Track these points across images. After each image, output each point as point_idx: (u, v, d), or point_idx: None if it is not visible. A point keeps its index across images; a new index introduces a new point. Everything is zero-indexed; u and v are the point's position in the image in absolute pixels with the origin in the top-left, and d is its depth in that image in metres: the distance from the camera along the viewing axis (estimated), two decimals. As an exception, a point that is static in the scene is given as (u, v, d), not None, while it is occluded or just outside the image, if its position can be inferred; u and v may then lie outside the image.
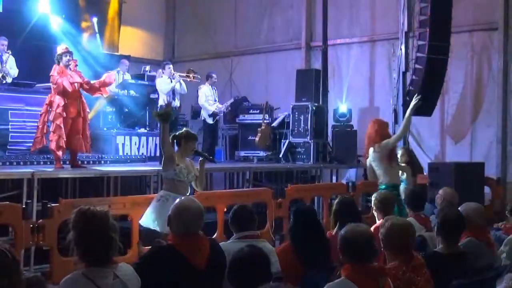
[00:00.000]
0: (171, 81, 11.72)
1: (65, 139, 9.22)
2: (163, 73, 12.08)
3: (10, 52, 11.04)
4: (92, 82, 9.75)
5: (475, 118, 13.26)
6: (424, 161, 13.05)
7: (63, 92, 9.22)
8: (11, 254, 2.90)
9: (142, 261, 3.90)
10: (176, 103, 12.04)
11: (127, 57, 15.08)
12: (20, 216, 6.56)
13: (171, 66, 12.11)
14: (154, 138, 12.79)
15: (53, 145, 9.16)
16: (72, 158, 9.70)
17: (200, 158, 6.96)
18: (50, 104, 9.33)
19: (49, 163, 10.40)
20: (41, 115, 9.48)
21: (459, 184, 9.33)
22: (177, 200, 4.17)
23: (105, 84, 9.98)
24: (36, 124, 9.82)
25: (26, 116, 10.89)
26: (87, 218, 3.42)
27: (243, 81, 15.87)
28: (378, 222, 5.60)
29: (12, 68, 11.06)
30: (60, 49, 9.68)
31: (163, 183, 7.09)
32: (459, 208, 5.36)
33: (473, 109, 13.28)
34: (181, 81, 11.89)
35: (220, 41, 17.19)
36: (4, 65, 10.91)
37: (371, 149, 7.61)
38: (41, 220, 6.75)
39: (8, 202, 7.02)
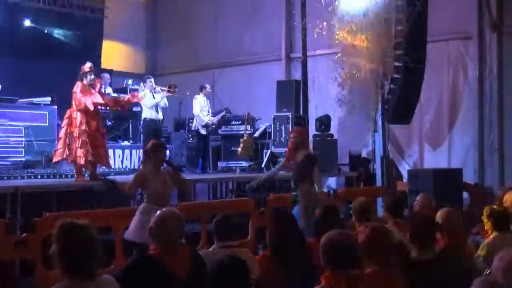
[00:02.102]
0: (154, 95, 11.72)
1: (93, 154, 9.28)
2: (144, 87, 12.08)
3: (-6, 68, 11.01)
4: (118, 98, 9.85)
5: (452, 126, 13.36)
6: (404, 168, 13.16)
7: (84, 110, 9.25)
8: (6, 266, 2.91)
9: (123, 272, 3.89)
10: (159, 115, 12.05)
11: (109, 71, 15.07)
12: (3, 231, 6.51)
13: (152, 80, 12.14)
14: (138, 150, 12.79)
15: (82, 160, 9.21)
16: (93, 171, 9.66)
17: (168, 168, 6.91)
18: (70, 118, 9.36)
19: (33, 177, 10.36)
20: (62, 127, 9.52)
21: (438, 190, 9.40)
22: (158, 212, 4.18)
23: (130, 102, 10.11)
24: (20, 139, 9.84)
25: (9, 131, 10.89)
26: (69, 231, 3.40)
27: (225, 93, 15.88)
28: (357, 229, 5.62)
29: (-5, 83, 11.04)
30: (85, 67, 9.74)
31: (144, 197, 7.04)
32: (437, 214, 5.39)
33: (450, 117, 13.38)
34: (165, 97, 11.93)
35: (202, 54, 17.23)
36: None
37: None
38: (24, 234, 6.71)
39: (-9, 217, 6.99)
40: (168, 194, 6.75)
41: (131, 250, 6.34)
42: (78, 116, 9.24)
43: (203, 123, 12.92)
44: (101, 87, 9.93)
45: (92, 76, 9.60)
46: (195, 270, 3.99)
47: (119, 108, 10.58)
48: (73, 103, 9.40)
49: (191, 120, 15.68)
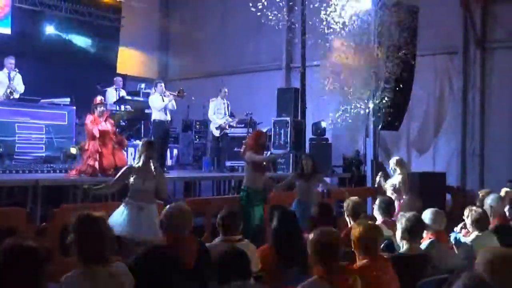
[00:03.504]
0: (163, 99, 11.70)
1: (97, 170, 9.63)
2: (155, 90, 12.06)
3: (17, 70, 11.00)
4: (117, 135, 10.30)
5: (437, 133, 13.39)
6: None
7: (92, 137, 9.60)
8: (37, 250, 2.92)
9: (135, 261, 3.89)
10: (168, 117, 12.03)
11: (124, 76, 15.10)
12: (24, 220, 6.52)
13: (162, 84, 12.10)
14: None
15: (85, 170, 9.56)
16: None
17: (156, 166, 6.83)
18: (86, 147, 9.72)
19: (52, 171, 10.38)
20: (86, 158, 9.78)
21: (423, 192, 9.38)
22: (168, 206, 4.17)
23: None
24: (41, 136, 9.95)
25: (31, 128, 10.88)
26: (86, 222, 3.41)
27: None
28: (350, 226, 5.62)
29: (19, 85, 11.02)
30: (97, 99, 10.15)
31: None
32: (422, 214, 5.40)
33: (435, 125, 13.41)
34: (173, 100, 11.89)
35: (210, 61, 17.23)
36: (12, 82, 10.86)
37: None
38: (44, 224, 6.71)
39: (14, 207, 6.99)
40: (149, 190, 6.59)
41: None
42: (90, 143, 9.65)
43: (217, 125, 12.80)
44: (108, 116, 10.21)
45: (102, 108, 9.95)
46: (201, 259, 4.00)
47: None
48: (86, 135, 9.91)
49: (197, 122, 15.72)
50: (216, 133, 12.86)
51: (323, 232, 3.75)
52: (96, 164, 9.59)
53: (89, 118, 9.79)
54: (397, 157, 9.65)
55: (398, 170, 9.01)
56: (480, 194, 7.81)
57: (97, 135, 9.56)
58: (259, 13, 12.50)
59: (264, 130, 13.84)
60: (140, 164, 6.60)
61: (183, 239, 4.03)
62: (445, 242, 5.44)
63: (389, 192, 8.52)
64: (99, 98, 10.13)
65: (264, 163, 7.99)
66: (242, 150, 8.22)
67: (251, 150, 7.71)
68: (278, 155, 10.54)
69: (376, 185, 9.85)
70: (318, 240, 3.69)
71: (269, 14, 12.28)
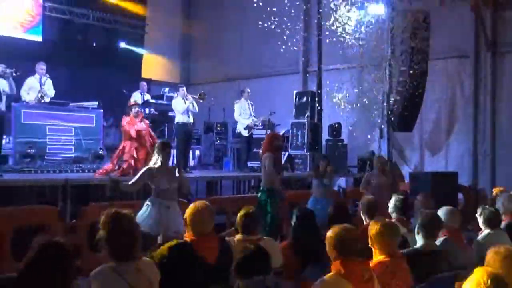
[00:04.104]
0: (185, 102, 11.75)
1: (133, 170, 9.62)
2: (178, 94, 12.12)
3: (48, 76, 11.10)
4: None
5: (449, 134, 13.28)
6: (406, 171, 13.06)
7: (130, 138, 9.67)
8: (65, 246, 2.95)
9: (161, 256, 3.91)
10: (190, 120, 12.07)
11: (148, 80, 15.20)
12: (56, 217, 6.58)
13: (184, 88, 12.16)
14: (172, 150, 12.80)
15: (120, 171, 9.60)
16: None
17: (175, 165, 6.85)
18: (123, 149, 9.74)
19: (80, 171, 10.47)
20: (115, 157, 9.92)
21: (436, 191, 9.30)
22: (192, 204, 4.18)
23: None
24: (70, 138, 10.07)
25: (61, 131, 11.00)
26: (115, 219, 3.43)
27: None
28: (366, 223, 5.60)
29: (49, 89, 11.12)
30: (131, 102, 10.44)
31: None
32: (439, 212, 5.38)
33: (447, 126, 13.31)
34: (194, 102, 11.92)
35: (229, 66, 17.25)
36: (43, 87, 10.97)
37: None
38: (73, 221, 6.77)
39: (45, 205, 7.06)
40: (174, 189, 6.63)
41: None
42: (127, 144, 9.71)
43: (244, 126, 12.71)
44: (144, 117, 10.38)
45: (137, 109, 10.09)
46: (223, 256, 4.01)
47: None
48: (123, 135, 9.99)
49: (218, 124, 15.75)
50: (245, 133, 12.71)
51: (342, 228, 3.73)
52: (131, 164, 9.62)
53: (125, 119, 9.87)
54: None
55: None
56: (494, 192, 7.75)
57: (134, 135, 9.61)
58: (276, 21, 12.57)
59: (282, 132, 13.86)
60: (158, 164, 6.60)
61: (206, 236, 4.04)
62: (460, 240, 5.39)
63: None
64: (132, 100, 10.28)
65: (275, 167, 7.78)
66: (260, 151, 8.22)
67: (267, 152, 7.68)
68: (286, 165, 10.43)
69: None
70: (337, 236, 3.68)
71: (285, 18, 12.31)
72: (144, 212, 6.41)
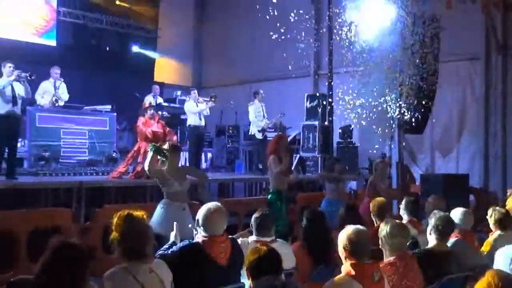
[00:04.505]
0: (197, 105, 11.79)
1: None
2: (190, 97, 12.16)
3: (62, 80, 11.17)
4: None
5: (460, 136, 13.21)
6: (417, 173, 13.01)
7: (145, 138, 9.75)
8: (80, 248, 2.97)
9: (171, 256, 3.92)
10: (202, 122, 12.10)
11: (161, 84, 15.26)
12: (70, 219, 6.62)
13: (195, 91, 12.22)
14: (184, 153, 12.84)
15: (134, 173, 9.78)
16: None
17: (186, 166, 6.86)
18: (138, 150, 9.88)
19: (94, 174, 10.53)
20: (129, 157, 10.09)
21: (447, 193, 9.25)
22: (204, 206, 4.19)
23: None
24: (84, 141, 10.18)
25: (76, 134, 11.06)
26: (127, 221, 3.45)
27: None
28: (376, 225, 5.59)
29: (63, 93, 11.18)
30: (145, 104, 10.67)
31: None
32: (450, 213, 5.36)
33: (458, 128, 13.24)
34: (205, 104, 11.96)
35: (240, 70, 17.26)
36: (57, 91, 11.03)
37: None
38: (88, 223, 6.80)
39: (60, 208, 7.10)
40: (185, 191, 6.65)
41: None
42: (142, 145, 9.77)
43: (259, 128, 12.59)
44: (160, 119, 10.44)
45: (152, 111, 10.20)
46: (234, 257, 4.01)
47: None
48: (138, 136, 10.09)
49: (230, 127, 15.77)
50: (259, 135, 12.58)
51: (354, 229, 3.72)
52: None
53: (140, 120, 9.97)
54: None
55: None
56: (508, 193, 7.71)
57: (151, 136, 9.66)
58: (286, 24, 12.55)
59: (293, 134, 13.87)
60: (170, 167, 6.61)
61: (218, 237, 4.05)
62: (472, 241, 5.37)
63: None
64: (147, 102, 10.30)
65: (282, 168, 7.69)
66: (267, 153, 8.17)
67: (273, 154, 7.63)
68: (297, 168, 10.37)
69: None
70: (349, 238, 3.67)
71: (296, 20, 12.29)
72: (158, 214, 6.43)
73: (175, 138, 10.65)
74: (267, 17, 14.40)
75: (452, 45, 12.47)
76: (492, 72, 12.83)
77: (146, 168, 6.63)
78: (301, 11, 13.33)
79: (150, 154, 6.52)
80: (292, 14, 12.74)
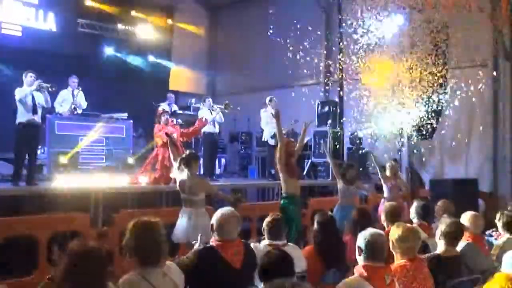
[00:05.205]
0: (211, 113, 11.83)
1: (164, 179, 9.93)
2: (204, 105, 12.20)
3: (80, 88, 11.25)
4: (187, 130, 10.88)
5: (469, 141, 13.11)
6: (426, 177, 12.94)
7: (162, 145, 9.92)
8: (100, 252, 3.00)
9: (187, 260, 3.94)
10: (216, 129, 12.14)
11: (176, 92, 15.32)
12: (88, 224, 6.66)
13: (210, 99, 12.27)
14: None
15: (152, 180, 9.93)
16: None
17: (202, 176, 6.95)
18: (156, 156, 10.07)
19: (112, 180, 10.55)
20: (147, 163, 10.28)
21: (456, 197, 9.20)
22: (219, 210, 4.21)
23: (202, 127, 11.20)
24: (102, 147, 10.37)
25: (94, 141, 11.08)
26: (141, 227, 3.45)
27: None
28: (387, 229, 5.57)
29: (82, 101, 11.28)
30: (159, 110, 10.86)
31: None
32: (461, 217, 5.36)
33: (467, 133, 13.14)
34: (220, 112, 11.99)
35: (253, 78, 17.27)
36: (75, 99, 11.12)
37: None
38: (105, 228, 6.83)
39: (78, 213, 7.14)
40: (202, 198, 6.74)
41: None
42: (160, 151, 9.98)
43: (272, 134, 12.42)
44: (174, 124, 10.74)
45: (166, 117, 10.39)
46: (248, 260, 4.02)
47: (192, 136, 11.70)
48: (156, 140, 10.32)
49: (243, 134, 15.79)
50: (272, 142, 12.44)
51: (373, 233, 3.72)
52: (163, 173, 9.76)
53: (157, 127, 10.19)
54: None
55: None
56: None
57: (165, 139, 9.62)
58: (298, 33, 12.57)
59: (305, 140, 13.82)
60: (188, 175, 6.68)
61: (232, 241, 4.06)
62: (482, 245, 5.35)
63: None
64: (161, 109, 10.38)
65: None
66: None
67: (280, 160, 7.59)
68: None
69: None
70: (367, 240, 3.65)
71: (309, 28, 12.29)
72: (179, 221, 6.51)
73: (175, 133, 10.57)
74: (279, 26, 14.46)
75: (461, 52, 12.41)
76: (500, 79, 12.75)
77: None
78: (314, 23, 13.33)
79: None
80: (304, 23, 12.73)
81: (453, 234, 4.69)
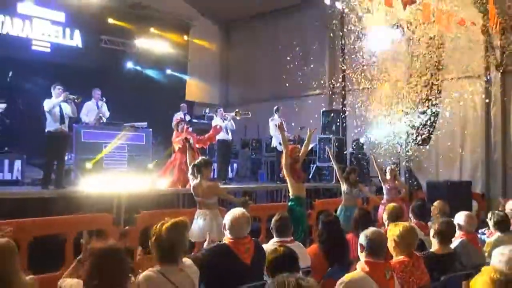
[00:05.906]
0: (223, 121, 11.87)
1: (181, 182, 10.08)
2: (216, 115, 12.24)
3: (104, 99, 11.34)
4: (202, 138, 10.91)
5: (463, 146, 13.07)
6: (423, 180, 12.89)
7: (180, 150, 10.06)
8: (121, 249, 3.04)
9: (202, 256, 3.97)
10: (229, 136, 12.17)
11: (191, 102, 15.40)
12: (111, 224, 6.70)
13: (221, 109, 12.33)
14: (213, 164, 12.90)
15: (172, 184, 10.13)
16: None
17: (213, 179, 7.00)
18: (174, 161, 10.27)
19: (133, 183, 10.60)
20: (166, 168, 10.54)
21: (451, 199, 9.15)
22: (231, 211, 4.25)
23: (216, 134, 11.26)
24: (123, 154, 10.59)
25: (116, 148, 11.14)
26: (169, 231, 3.43)
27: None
28: (387, 227, 5.57)
29: (105, 111, 11.36)
30: (176, 119, 10.99)
31: None
32: (455, 216, 5.36)
33: (461, 138, 13.11)
34: (231, 120, 12.03)
35: (263, 89, 17.31)
36: (101, 109, 11.21)
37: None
38: (127, 227, 6.87)
39: (102, 213, 7.19)
40: (215, 201, 6.83)
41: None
42: (178, 156, 10.11)
43: (280, 141, 12.51)
44: (189, 132, 10.68)
45: (182, 125, 10.49)
46: (257, 257, 4.05)
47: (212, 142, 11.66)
48: (173, 146, 10.47)
49: (253, 140, 15.81)
50: (280, 148, 12.37)
51: (374, 231, 3.73)
52: (180, 178, 9.81)
53: (175, 134, 10.34)
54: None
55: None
56: (502, 200, 7.65)
57: (181, 144, 9.88)
58: (304, 45, 12.59)
59: (311, 146, 13.83)
60: (202, 179, 6.75)
61: (243, 239, 4.10)
62: (475, 242, 5.34)
63: None
64: (178, 118, 10.42)
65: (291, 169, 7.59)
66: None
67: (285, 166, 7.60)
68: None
69: None
70: (369, 238, 3.66)
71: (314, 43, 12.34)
72: (194, 222, 6.58)
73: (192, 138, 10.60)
74: (286, 39, 14.50)
75: (455, 64, 12.39)
76: (492, 88, 12.72)
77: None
78: (316, 39, 13.35)
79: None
80: (309, 40, 12.75)
81: (446, 232, 4.69)
